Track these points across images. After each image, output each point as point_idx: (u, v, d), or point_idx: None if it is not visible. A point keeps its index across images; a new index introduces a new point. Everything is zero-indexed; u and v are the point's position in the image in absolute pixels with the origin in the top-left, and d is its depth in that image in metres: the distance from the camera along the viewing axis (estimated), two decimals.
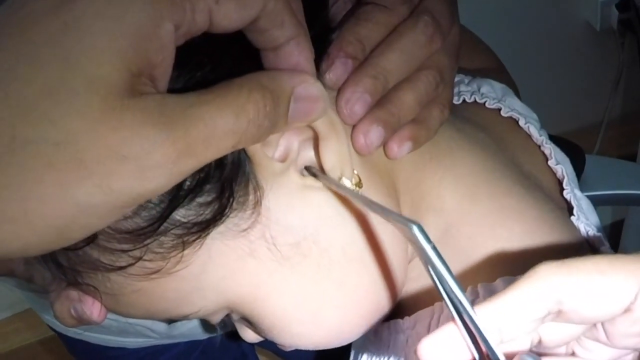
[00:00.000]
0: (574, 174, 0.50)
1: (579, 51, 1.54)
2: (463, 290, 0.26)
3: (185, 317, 0.38)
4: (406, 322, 0.43)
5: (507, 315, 0.27)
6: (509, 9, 1.43)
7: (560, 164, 0.48)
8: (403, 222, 0.28)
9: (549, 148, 0.49)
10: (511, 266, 0.39)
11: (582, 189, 0.83)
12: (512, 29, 1.46)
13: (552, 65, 1.54)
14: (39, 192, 0.26)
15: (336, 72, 0.37)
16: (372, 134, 0.37)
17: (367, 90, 0.37)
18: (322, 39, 0.37)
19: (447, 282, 0.26)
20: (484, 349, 0.26)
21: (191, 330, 0.75)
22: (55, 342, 0.83)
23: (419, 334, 0.41)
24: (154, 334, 0.75)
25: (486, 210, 0.42)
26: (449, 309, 0.27)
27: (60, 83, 0.25)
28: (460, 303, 0.26)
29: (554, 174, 0.49)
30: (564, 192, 0.47)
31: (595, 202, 0.87)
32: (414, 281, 0.43)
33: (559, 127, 1.53)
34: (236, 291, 0.37)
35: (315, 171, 0.36)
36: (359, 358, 0.50)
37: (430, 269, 0.27)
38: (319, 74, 0.37)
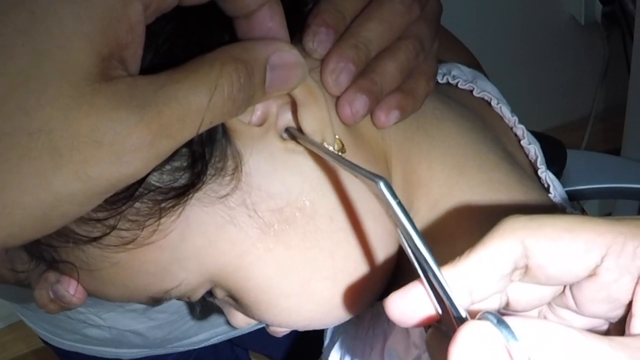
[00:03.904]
0: (543, 158, 0.50)
1: (564, 46, 1.55)
2: (427, 246, 0.26)
3: (167, 294, 0.37)
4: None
5: (475, 272, 0.26)
6: (493, 3, 1.44)
7: (532, 144, 0.48)
8: (370, 177, 0.28)
9: (521, 128, 0.49)
10: None
11: (569, 184, 0.83)
12: (497, 24, 1.46)
13: (537, 60, 1.54)
14: (16, 183, 0.26)
15: (320, 42, 0.37)
16: (357, 102, 0.37)
17: (351, 60, 0.37)
18: (294, 7, 0.37)
19: (412, 239, 0.26)
20: (448, 305, 0.25)
21: (186, 333, 0.75)
22: (49, 352, 0.83)
23: None
24: (148, 341, 0.75)
25: (475, 183, 0.42)
26: (415, 266, 0.26)
27: (32, 73, 0.25)
28: (425, 260, 0.26)
29: (526, 155, 0.49)
30: (539, 171, 0.47)
31: (583, 196, 0.88)
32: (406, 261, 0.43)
33: (546, 122, 1.54)
34: (218, 261, 0.36)
35: (295, 132, 0.35)
36: (335, 339, 0.49)
37: (399, 227, 0.27)
38: (300, 45, 0.37)
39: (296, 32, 0.37)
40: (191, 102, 0.28)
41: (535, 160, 0.48)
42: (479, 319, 0.23)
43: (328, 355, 0.50)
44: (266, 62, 0.31)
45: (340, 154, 0.37)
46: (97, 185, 0.27)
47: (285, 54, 0.32)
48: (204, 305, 0.71)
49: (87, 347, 0.77)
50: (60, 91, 0.25)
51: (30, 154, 0.25)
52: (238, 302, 0.40)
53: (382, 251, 0.40)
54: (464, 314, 0.25)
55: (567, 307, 0.29)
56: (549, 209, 0.41)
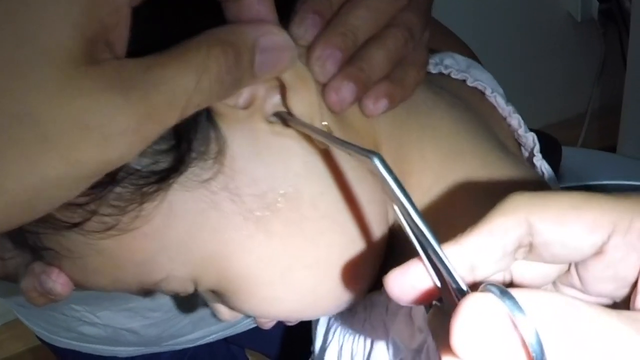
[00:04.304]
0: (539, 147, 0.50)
1: (561, 42, 1.55)
2: (426, 222, 0.25)
3: (157, 286, 0.37)
4: (384, 292, 0.41)
5: (478, 249, 0.25)
6: (489, 0, 1.44)
7: (529, 133, 0.48)
8: (363, 153, 0.27)
9: (517, 118, 0.48)
10: None
11: (565, 181, 0.83)
12: (493, 20, 1.46)
13: (533, 57, 1.54)
14: (3, 168, 0.25)
15: (307, 28, 0.37)
16: (344, 90, 0.37)
17: (338, 47, 0.37)
18: None
19: (410, 216, 0.25)
20: (450, 282, 0.24)
21: (181, 330, 0.75)
22: (46, 351, 0.83)
23: None
24: (143, 339, 0.75)
25: (470, 168, 0.41)
26: (414, 244, 0.26)
27: (17, 57, 0.25)
28: (424, 236, 0.25)
29: (519, 146, 0.48)
30: (534, 159, 0.47)
31: None
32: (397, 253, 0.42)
33: (543, 119, 1.54)
34: (201, 249, 0.36)
35: (284, 115, 0.35)
36: (329, 337, 0.49)
37: (395, 204, 0.26)
38: (287, 30, 0.37)
39: (284, 19, 0.37)
40: (178, 84, 0.27)
41: (532, 148, 0.47)
42: (481, 291, 0.22)
43: (324, 355, 0.50)
44: (254, 45, 0.31)
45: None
46: (84, 168, 0.27)
47: (275, 37, 0.32)
48: (196, 301, 0.71)
49: (83, 345, 0.77)
50: (46, 75, 0.25)
51: (17, 137, 0.25)
52: (219, 293, 0.39)
53: (371, 240, 0.39)
54: (465, 287, 0.24)
55: (573, 286, 0.28)
56: (548, 188, 0.41)
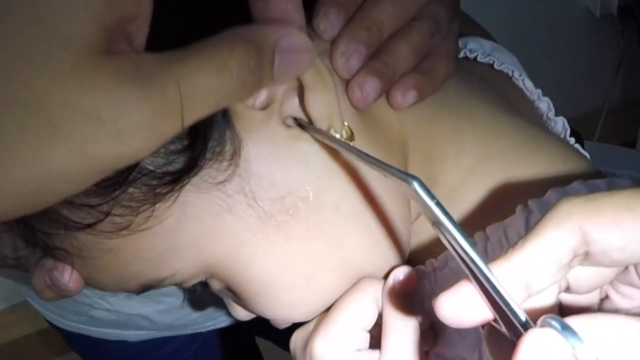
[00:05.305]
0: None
1: (579, 38, 1.54)
2: (474, 247, 0.24)
3: (161, 283, 0.36)
4: (430, 264, 0.40)
5: (531, 266, 0.24)
6: None
7: (559, 117, 0.47)
8: (402, 177, 0.26)
9: (546, 101, 0.47)
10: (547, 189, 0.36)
11: None
12: (512, 15, 1.45)
13: (552, 52, 1.53)
14: (9, 157, 0.24)
15: (331, 23, 0.36)
16: (368, 85, 0.36)
17: (362, 42, 0.36)
18: None
19: (456, 239, 0.25)
20: (503, 306, 0.24)
21: (194, 320, 0.75)
22: (54, 333, 0.83)
23: (452, 269, 0.37)
24: (155, 325, 0.75)
25: (515, 142, 0.40)
26: (463, 268, 0.25)
27: (33, 42, 0.24)
28: (473, 261, 0.24)
29: (548, 130, 0.48)
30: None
31: None
32: (424, 233, 0.41)
33: (559, 114, 1.53)
34: (215, 251, 0.35)
35: (302, 122, 0.34)
36: None
37: (440, 227, 0.25)
38: (311, 26, 0.36)
39: (307, 12, 0.36)
40: (198, 81, 0.26)
41: (562, 133, 0.47)
42: (541, 325, 0.22)
43: None
44: (275, 45, 0.30)
45: (350, 142, 0.35)
46: (95, 163, 0.25)
47: (294, 38, 0.31)
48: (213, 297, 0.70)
49: (93, 328, 0.76)
50: (61, 62, 0.24)
51: (27, 126, 0.24)
52: (236, 296, 0.39)
53: (396, 239, 0.38)
54: (523, 317, 0.23)
55: (632, 285, 0.27)
56: (594, 175, 0.39)
